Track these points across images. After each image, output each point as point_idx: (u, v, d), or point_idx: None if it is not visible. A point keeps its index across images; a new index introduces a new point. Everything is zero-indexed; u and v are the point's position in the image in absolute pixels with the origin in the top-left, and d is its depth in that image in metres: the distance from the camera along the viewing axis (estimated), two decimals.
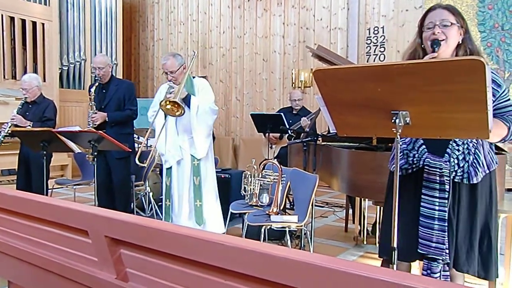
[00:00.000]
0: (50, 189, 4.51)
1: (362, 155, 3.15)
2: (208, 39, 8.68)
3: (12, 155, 5.09)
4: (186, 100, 3.36)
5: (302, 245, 3.52)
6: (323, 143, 3.97)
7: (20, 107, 4.32)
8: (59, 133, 3.40)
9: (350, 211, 4.21)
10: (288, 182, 3.36)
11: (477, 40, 6.12)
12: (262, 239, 3.02)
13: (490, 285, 2.44)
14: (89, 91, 4.04)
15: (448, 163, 1.73)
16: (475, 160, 1.74)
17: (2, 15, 6.71)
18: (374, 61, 6.72)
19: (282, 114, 5.02)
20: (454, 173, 1.73)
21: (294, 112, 5.51)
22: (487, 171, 1.77)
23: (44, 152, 3.48)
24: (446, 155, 1.75)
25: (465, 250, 1.75)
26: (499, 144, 2.90)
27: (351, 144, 3.72)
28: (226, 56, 8.25)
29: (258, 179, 3.49)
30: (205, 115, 3.41)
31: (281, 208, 3.30)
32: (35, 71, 7.01)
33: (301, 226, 3.02)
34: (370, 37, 6.84)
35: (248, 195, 3.56)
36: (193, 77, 3.56)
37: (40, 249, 1.19)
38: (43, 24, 7.23)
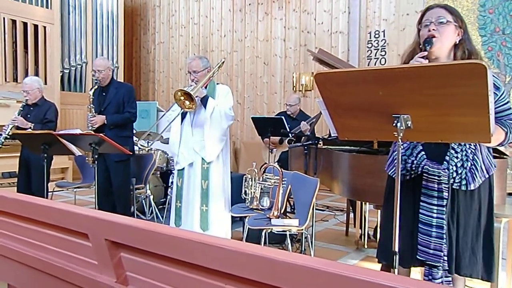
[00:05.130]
0: (50, 192, 4.50)
1: (363, 159, 3.15)
2: (209, 43, 8.70)
3: (13, 157, 5.09)
4: (204, 101, 3.39)
5: (303, 249, 3.50)
6: (324, 147, 3.97)
7: (21, 109, 4.33)
8: (60, 136, 3.40)
9: (351, 214, 4.20)
10: (289, 186, 3.35)
11: (477, 44, 6.13)
12: (262, 242, 3.01)
13: None
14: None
15: (446, 170, 1.72)
16: (473, 166, 1.72)
17: (4, 18, 6.73)
18: (375, 64, 6.73)
19: (283, 117, 5.01)
20: (452, 180, 1.72)
21: (292, 116, 5.47)
22: (487, 176, 1.76)
23: (45, 155, 3.48)
24: (445, 162, 1.73)
25: (468, 255, 1.74)
26: (501, 148, 2.89)
27: (352, 147, 3.72)
28: (227, 60, 8.25)
29: (259, 183, 3.48)
30: (219, 118, 3.41)
31: (282, 211, 3.29)
32: (36, 74, 7.02)
33: (302, 229, 3.01)
34: (371, 40, 6.85)
35: (249, 199, 3.55)
36: (217, 83, 3.58)
37: (40, 252, 1.19)
38: (44, 27, 7.25)
